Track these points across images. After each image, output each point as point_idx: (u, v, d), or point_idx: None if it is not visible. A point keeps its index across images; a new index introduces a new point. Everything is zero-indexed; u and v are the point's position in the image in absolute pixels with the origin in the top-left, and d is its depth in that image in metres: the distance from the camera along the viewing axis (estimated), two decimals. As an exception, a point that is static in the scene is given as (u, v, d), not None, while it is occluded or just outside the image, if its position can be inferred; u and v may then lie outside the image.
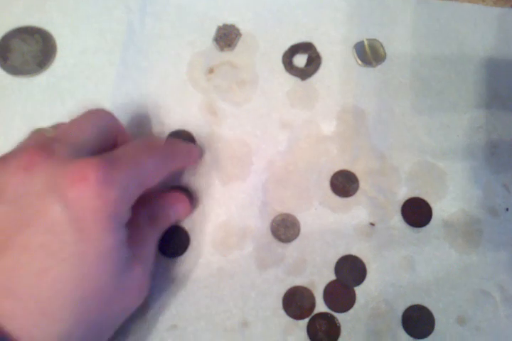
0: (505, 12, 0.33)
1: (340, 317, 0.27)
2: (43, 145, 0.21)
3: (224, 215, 0.29)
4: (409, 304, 0.28)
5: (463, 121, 0.31)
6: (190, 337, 0.27)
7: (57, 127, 0.24)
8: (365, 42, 0.31)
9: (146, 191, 0.23)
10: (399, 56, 0.32)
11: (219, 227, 0.28)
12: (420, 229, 0.29)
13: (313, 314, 0.27)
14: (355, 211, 0.29)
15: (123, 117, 0.29)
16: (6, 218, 0.20)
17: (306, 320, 0.27)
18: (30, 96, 0.30)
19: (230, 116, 0.30)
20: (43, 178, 0.20)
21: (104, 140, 0.24)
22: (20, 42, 0.30)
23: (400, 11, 0.32)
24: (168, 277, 0.28)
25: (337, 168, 0.30)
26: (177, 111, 0.30)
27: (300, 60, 0.31)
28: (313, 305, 0.28)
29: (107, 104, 0.30)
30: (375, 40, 0.31)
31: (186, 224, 0.28)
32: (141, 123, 0.30)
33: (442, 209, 0.29)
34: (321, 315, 0.27)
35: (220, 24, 0.31)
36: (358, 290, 0.28)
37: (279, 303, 0.27)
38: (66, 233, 0.19)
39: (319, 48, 0.31)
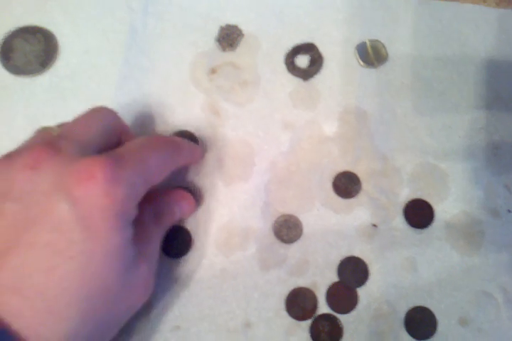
0: (507, 13, 0.33)
1: (342, 318, 0.27)
2: (49, 142, 0.21)
3: (226, 216, 0.29)
4: (411, 305, 0.28)
5: (464, 122, 0.31)
6: (193, 337, 0.27)
7: (62, 126, 0.24)
8: (367, 43, 0.31)
9: (152, 188, 0.23)
10: (401, 57, 0.32)
11: (222, 228, 0.28)
12: (422, 230, 0.29)
13: (315, 315, 0.27)
14: (358, 212, 0.29)
15: (125, 117, 0.29)
16: (13, 216, 0.20)
17: (309, 321, 0.27)
18: (32, 96, 0.30)
19: (232, 116, 0.30)
20: (49, 176, 0.20)
21: (108, 138, 0.24)
22: (22, 42, 0.30)
23: (402, 11, 0.32)
24: (171, 278, 0.27)
25: (339, 169, 0.30)
26: (179, 111, 0.30)
27: (302, 61, 0.31)
28: (315, 306, 0.28)
29: (110, 104, 0.29)
30: (377, 40, 0.32)
31: (189, 225, 0.28)
32: (144, 123, 0.30)
33: (444, 210, 0.29)
34: (324, 316, 0.27)
35: (223, 24, 0.31)
36: (361, 291, 0.28)
37: (281, 304, 0.27)
38: (73, 231, 0.19)
39: (321, 49, 0.31)
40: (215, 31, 0.31)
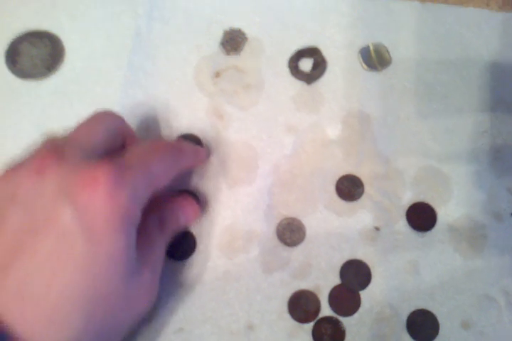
0: (510, 17, 0.33)
1: (345, 321, 0.27)
2: (54, 148, 0.21)
3: (230, 219, 0.29)
4: (413, 308, 0.28)
5: (467, 125, 0.31)
6: (196, 339, 0.27)
7: (66, 134, 0.24)
8: (371, 47, 0.31)
9: (156, 193, 0.23)
10: (404, 60, 0.32)
11: (225, 231, 0.28)
12: (425, 233, 0.29)
13: (318, 318, 0.27)
14: (360, 215, 0.29)
15: (130, 121, 0.29)
16: (18, 222, 0.20)
17: (311, 324, 0.27)
18: (38, 100, 0.30)
19: (236, 119, 0.30)
20: (54, 182, 0.20)
21: (113, 142, 0.24)
22: (29, 45, 0.30)
23: (405, 15, 0.32)
24: (175, 280, 0.28)
25: (342, 172, 0.30)
26: (184, 114, 0.30)
27: (306, 65, 0.31)
28: (318, 309, 0.28)
29: (114, 108, 0.29)
30: (380, 44, 0.32)
31: (193, 228, 0.28)
32: (148, 126, 0.30)
33: (447, 213, 0.29)
34: (326, 318, 0.27)
35: (227, 28, 0.31)
36: (363, 294, 0.28)
37: (284, 307, 0.28)
38: (77, 237, 0.20)
39: (325, 53, 0.31)
40: (219, 35, 0.31)
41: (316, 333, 0.27)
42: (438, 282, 0.28)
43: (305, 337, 0.27)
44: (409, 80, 0.31)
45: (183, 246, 0.28)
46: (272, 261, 0.28)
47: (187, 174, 0.29)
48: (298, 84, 0.31)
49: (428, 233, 0.29)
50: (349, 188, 0.29)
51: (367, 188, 0.29)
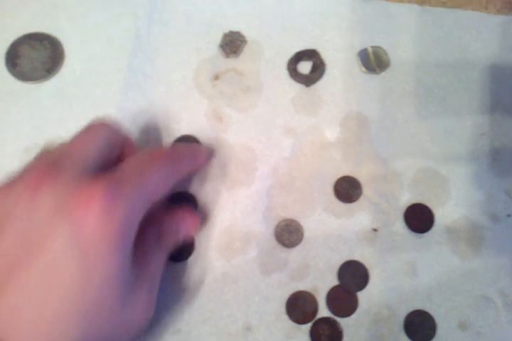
0: (508, 20, 0.33)
1: (342, 322, 0.28)
2: (49, 164, 0.21)
3: (228, 220, 0.29)
4: (411, 309, 0.28)
5: (466, 127, 0.31)
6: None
7: (61, 145, 0.24)
8: (369, 50, 0.32)
9: (155, 205, 0.23)
10: (402, 63, 0.32)
11: (223, 232, 0.29)
12: (422, 234, 0.29)
13: (316, 319, 0.28)
14: (358, 217, 0.29)
15: (129, 123, 0.30)
16: (14, 240, 0.20)
17: (309, 325, 0.28)
18: (38, 102, 0.30)
19: (235, 122, 0.30)
20: (49, 200, 0.20)
21: (109, 153, 0.24)
22: (29, 48, 0.30)
23: (404, 18, 0.32)
24: (173, 281, 0.28)
25: (340, 174, 0.30)
26: (183, 116, 0.30)
27: (305, 67, 0.31)
28: (316, 310, 0.28)
29: (114, 110, 0.30)
30: (378, 47, 0.32)
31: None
32: (148, 129, 0.30)
33: (444, 215, 0.30)
34: (324, 319, 0.28)
35: (226, 31, 0.31)
36: (361, 295, 0.28)
37: (282, 308, 0.28)
38: (71, 256, 0.19)
39: (324, 55, 0.31)
40: (218, 38, 0.31)
41: (313, 334, 0.27)
42: (435, 283, 0.29)
43: (303, 338, 0.27)
44: (408, 83, 0.31)
45: (181, 248, 0.28)
46: (270, 263, 0.28)
47: (190, 175, 0.29)
48: (297, 87, 0.31)
49: (426, 234, 0.29)
50: (347, 190, 0.30)
51: (365, 190, 0.30)
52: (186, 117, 0.30)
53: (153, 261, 0.24)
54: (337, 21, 0.32)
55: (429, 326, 0.28)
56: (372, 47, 0.32)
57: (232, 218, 0.29)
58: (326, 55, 0.31)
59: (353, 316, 0.28)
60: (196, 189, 0.29)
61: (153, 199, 0.23)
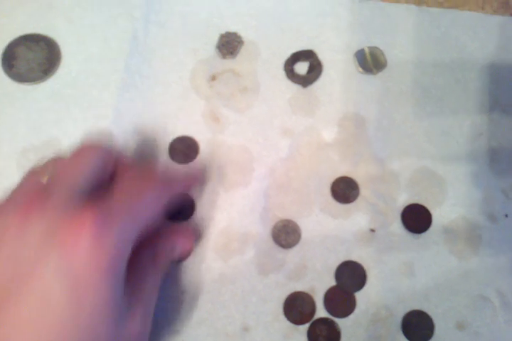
0: (505, 20, 0.33)
1: (340, 322, 0.28)
2: (39, 192, 0.21)
3: (225, 221, 0.29)
4: (408, 309, 0.28)
5: (463, 128, 0.31)
6: (191, 341, 0.27)
7: (52, 164, 0.24)
8: (366, 50, 0.32)
9: (148, 227, 0.23)
10: (399, 64, 0.32)
11: (221, 233, 0.29)
12: (420, 235, 0.29)
13: (313, 319, 0.28)
14: (356, 217, 0.29)
15: (126, 124, 0.30)
16: (3, 270, 0.19)
17: (307, 325, 0.27)
18: (35, 103, 0.30)
19: (232, 122, 0.30)
20: (39, 229, 0.20)
21: (101, 174, 0.23)
22: (25, 49, 0.30)
23: (401, 18, 0.32)
24: (170, 282, 0.28)
25: (338, 174, 0.30)
26: (180, 117, 0.30)
27: (301, 68, 0.31)
28: (313, 311, 0.28)
29: (111, 111, 0.30)
30: (375, 47, 0.32)
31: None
32: (145, 129, 0.30)
33: (442, 215, 0.30)
34: (322, 320, 0.28)
35: (223, 32, 0.31)
36: (358, 295, 0.28)
37: (279, 308, 0.28)
38: (62, 287, 0.19)
39: (320, 56, 0.31)
40: (215, 39, 0.31)
41: (311, 335, 0.27)
42: (433, 283, 0.29)
43: (300, 338, 0.27)
44: (405, 83, 0.32)
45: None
46: (267, 263, 0.28)
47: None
48: (294, 88, 0.31)
49: (423, 234, 0.29)
50: (344, 190, 0.30)
51: (362, 190, 0.30)
52: (183, 118, 0.30)
53: (148, 284, 0.24)
54: (334, 22, 0.32)
55: (427, 326, 0.28)
56: (369, 47, 0.32)
57: (230, 219, 0.29)
58: (322, 56, 0.32)
59: (351, 317, 0.28)
60: (193, 190, 0.29)
61: (145, 225, 0.22)
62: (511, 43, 0.33)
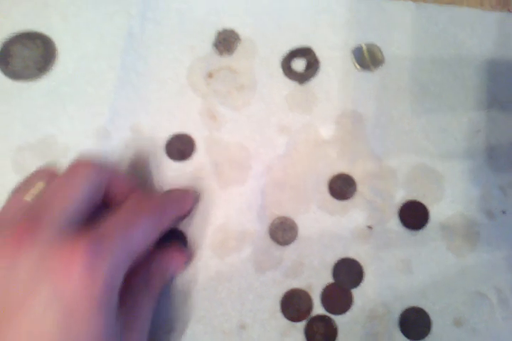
0: (503, 16, 0.33)
1: (337, 319, 0.28)
2: (29, 219, 0.21)
3: (222, 219, 0.29)
4: (406, 306, 0.28)
5: (461, 124, 0.31)
6: (188, 339, 0.27)
7: (40, 179, 0.23)
8: (364, 47, 0.32)
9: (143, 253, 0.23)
10: (397, 60, 0.32)
11: (217, 231, 0.29)
12: (417, 231, 0.29)
13: (310, 316, 0.28)
14: (353, 214, 0.29)
15: (122, 121, 0.30)
16: None
17: (304, 323, 0.28)
18: (30, 101, 0.30)
19: (228, 120, 0.30)
20: (30, 260, 0.20)
21: (94, 197, 0.23)
22: (21, 47, 0.30)
23: (398, 15, 0.32)
24: (166, 280, 0.28)
25: (335, 171, 0.30)
26: (176, 115, 0.30)
27: (299, 65, 0.31)
28: (310, 308, 0.28)
29: (107, 109, 0.30)
30: (373, 44, 0.32)
31: (185, 228, 0.29)
32: (141, 127, 0.30)
33: (439, 212, 0.30)
34: (319, 317, 0.28)
35: (220, 29, 0.31)
36: (356, 292, 0.28)
37: (276, 306, 0.28)
38: (53, 319, 0.19)
39: (318, 53, 0.31)
40: (212, 36, 0.31)
41: (308, 332, 0.27)
42: (430, 280, 0.29)
43: (297, 335, 0.27)
44: (403, 80, 0.31)
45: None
46: (264, 261, 0.28)
47: (179, 176, 0.29)
48: (291, 85, 0.31)
49: (420, 231, 0.29)
50: (342, 187, 0.29)
51: (359, 187, 0.30)
52: (180, 115, 0.30)
53: (143, 309, 0.24)
54: (331, 19, 0.32)
55: (424, 323, 0.28)
56: (366, 44, 0.32)
57: (226, 216, 0.29)
58: (320, 53, 0.31)
59: (348, 314, 0.28)
60: (190, 188, 0.29)
61: (138, 253, 0.22)
62: (509, 40, 0.32)
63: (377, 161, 0.30)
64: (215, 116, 0.30)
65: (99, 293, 0.20)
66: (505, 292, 0.29)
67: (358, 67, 0.31)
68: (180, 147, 0.30)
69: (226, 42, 0.31)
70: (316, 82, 0.31)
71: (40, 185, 0.23)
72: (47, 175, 0.24)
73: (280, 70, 0.31)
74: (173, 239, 0.28)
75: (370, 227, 0.29)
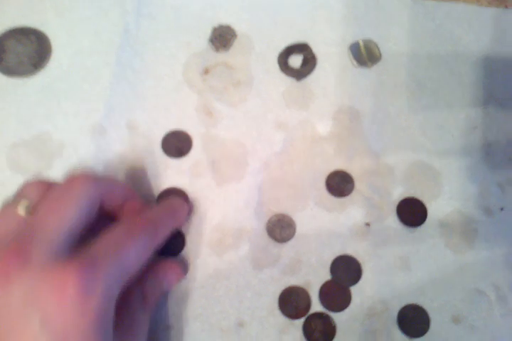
0: (500, 12, 0.33)
1: (335, 316, 0.28)
2: (19, 247, 0.20)
3: (220, 216, 0.29)
4: (404, 303, 0.28)
5: (458, 121, 0.31)
6: (186, 337, 0.27)
7: (33, 192, 0.23)
8: (361, 43, 0.31)
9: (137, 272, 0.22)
10: (394, 56, 0.32)
11: (215, 228, 0.28)
12: (415, 228, 0.29)
13: (308, 314, 0.28)
14: (351, 211, 0.29)
15: (118, 118, 0.29)
16: None
17: (302, 320, 0.27)
18: (25, 97, 0.30)
19: (225, 116, 0.30)
20: (20, 289, 0.19)
21: (90, 212, 0.23)
22: (15, 43, 0.30)
23: (395, 11, 0.32)
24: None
25: (332, 168, 0.30)
26: (172, 111, 0.30)
27: (295, 61, 0.31)
28: (308, 305, 0.28)
29: (102, 105, 0.30)
30: (370, 40, 0.32)
31: (182, 225, 0.28)
32: (137, 124, 0.30)
33: (437, 208, 0.30)
34: (317, 314, 0.28)
35: (216, 25, 0.31)
36: (354, 289, 0.28)
37: (274, 303, 0.28)
38: None
39: (314, 49, 0.31)
40: (208, 32, 0.31)
41: (306, 329, 0.27)
42: (429, 277, 0.29)
43: (296, 333, 0.27)
44: (400, 76, 0.31)
45: (172, 244, 0.28)
46: (262, 258, 0.28)
47: (175, 172, 0.29)
48: (287, 81, 0.31)
49: (418, 228, 0.29)
50: (339, 184, 0.29)
51: (357, 184, 0.30)
52: (176, 112, 0.30)
53: (139, 326, 0.23)
54: (328, 14, 0.32)
55: (423, 320, 0.28)
56: (363, 40, 0.31)
57: (224, 213, 0.29)
58: (316, 49, 0.31)
59: (346, 311, 0.28)
60: (187, 185, 0.29)
61: (131, 273, 0.22)
62: (506, 36, 0.33)
63: (375, 158, 0.30)
64: (211, 113, 0.30)
65: (93, 319, 0.19)
66: (504, 289, 0.29)
67: (355, 63, 0.31)
68: (177, 144, 0.29)
69: (222, 38, 0.31)
70: (312, 78, 0.31)
71: (32, 196, 0.22)
72: (39, 186, 0.23)
73: (277, 66, 0.31)
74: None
75: (367, 224, 0.29)
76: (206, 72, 0.31)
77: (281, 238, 0.28)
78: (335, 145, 0.30)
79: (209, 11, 0.31)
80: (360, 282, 0.28)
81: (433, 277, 0.29)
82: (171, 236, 0.26)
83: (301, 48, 0.31)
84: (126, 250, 0.22)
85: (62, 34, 0.31)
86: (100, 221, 0.24)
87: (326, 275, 0.28)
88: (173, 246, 0.28)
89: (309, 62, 0.31)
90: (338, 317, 0.28)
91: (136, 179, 0.29)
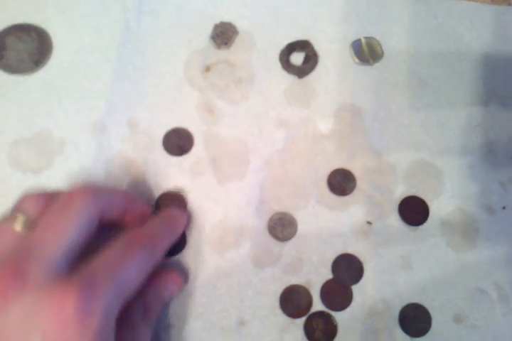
0: (502, 10, 0.33)
1: (337, 315, 0.27)
2: (16, 268, 0.20)
3: (221, 214, 0.29)
4: (406, 302, 0.28)
5: (460, 119, 0.31)
6: (187, 336, 0.27)
7: (31, 206, 0.22)
8: (363, 41, 0.31)
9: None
10: (396, 54, 0.32)
11: (216, 226, 0.28)
12: (417, 227, 0.29)
13: (310, 313, 0.27)
14: (352, 209, 0.29)
15: (119, 116, 0.29)
16: None
17: (303, 319, 0.27)
18: (26, 95, 0.30)
19: (226, 114, 0.30)
20: (19, 310, 0.19)
21: (90, 227, 0.22)
22: (15, 40, 0.30)
23: (397, 8, 0.32)
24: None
25: (334, 166, 0.30)
26: (174, 109, 0.30)
27: (297, 58, 0.31)
28: (310, 304, 0.28)
29: (103, 103, 0.30)
30: (372, 38, 0.31)
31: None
32: (138, 121, 0.29)
33: (439, 207, 0.29)
34: (318, 313, 0.27)
35: (217, 22, 0.31)
36: (355, 288, 0.28)
37: (276, 302, 0.28)
38: None
39: (316, 46, 0.31)
40: (209, 29, 0.31)
41: (308, 328, 0.27)
42: (430, 276, 0.28)
43: (297, 332, 0.27)
44: (402, 74, 0.31)
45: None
46: (263, 257, 0.28)
47: (176, 172, 0.29)
48: (289, 78, 0.31)
49: (420, 227, 0.29)
50: (341, 182, 0.29)
51: (359, 182, 0.29)
52: (177, 109, 0.30)
53: (143, 338, 0.23)
54: (330, 12, 0.32)
55: (424, 319, 0.28)
56: (365, 38, 0.31)
57: (225, 212, 0.29)
58: (318, 46, 0.31)
59: (348, 310, 0.28)
60: (187, 183, 0.29)
61: (131, 289, 0.22)
62: (508, 33, 0.33)
63: (377, 156, 0.30)
64: (212, 110, 0.30)
65: (93, 338, 0.19)
66: (505, 288, 0.29)
67: (356, 60, 0.31)
68: (178, 141, 0.29)
69: (223, 35, 0.31)
70: (314, 76, 0.31)
71: (30, 211, 0.22)
72: (38, 200, 0.23)
73: (278, 64, 0.31)
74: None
75: (369, 223, 0.29)
76: (207, 69, 0.30)
77: (283, 236, 0.28)
78: (336, 143, 0.30)
79: (210, 8, 0.31)
80: (362, 281, 0.28)
81: (435, 276, 0.28)
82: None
83: (303, 45, 0.31)
84: (126, 267, 0.21)
85: (63, 31, 0.31)
86: (100, 230, 0.23)
87: (327, 274, 0.28)
88: (174, 245, 0.28)
89: (311, 59, 0.31)
90: (339, 316, 0.27)
91: (137, 177, 0.29)
